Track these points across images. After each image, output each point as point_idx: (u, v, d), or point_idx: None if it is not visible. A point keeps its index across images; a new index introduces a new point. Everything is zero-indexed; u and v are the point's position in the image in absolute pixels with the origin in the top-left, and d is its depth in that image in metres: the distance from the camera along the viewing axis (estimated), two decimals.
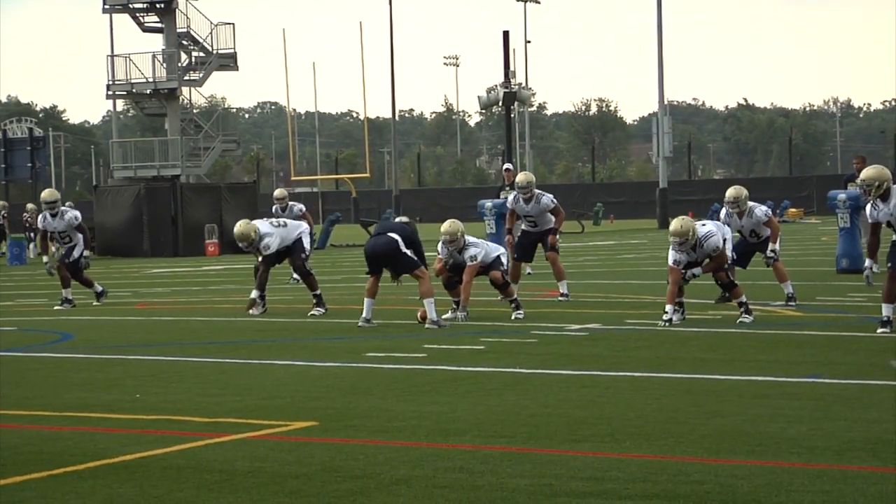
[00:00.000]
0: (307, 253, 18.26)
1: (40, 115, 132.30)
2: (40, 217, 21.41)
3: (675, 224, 15.14)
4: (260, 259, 18.11)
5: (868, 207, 13.85)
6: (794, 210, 62.99)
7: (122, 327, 17.12)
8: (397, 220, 16.80)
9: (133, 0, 48.48)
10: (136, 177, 48.16)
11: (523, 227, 19.40)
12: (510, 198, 19.37)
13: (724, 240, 15.29)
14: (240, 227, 17.97)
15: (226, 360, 12.98)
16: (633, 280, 23.12)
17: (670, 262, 15.10)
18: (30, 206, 47.00)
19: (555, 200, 19.04)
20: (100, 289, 21.14)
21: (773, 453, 7.61)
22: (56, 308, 20.41)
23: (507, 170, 28.74)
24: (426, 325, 15.35)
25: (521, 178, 19.11)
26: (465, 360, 12.40)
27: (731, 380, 10.64)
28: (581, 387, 10.47)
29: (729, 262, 15.28)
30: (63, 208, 21.19)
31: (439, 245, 16.59)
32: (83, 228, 21.17)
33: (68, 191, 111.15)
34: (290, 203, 21.99)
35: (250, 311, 17.69)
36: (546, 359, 12.25)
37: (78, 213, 21.34)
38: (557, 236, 19.03)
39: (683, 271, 15.06)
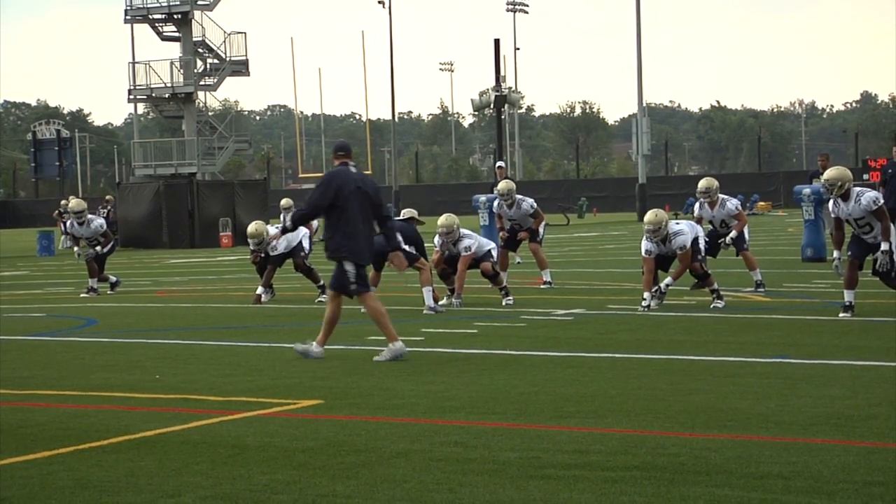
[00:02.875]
0: (306, 252, 18.32)
1: (67, 118, 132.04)
2: (69, 223, 21.48)
3: (649, 215, 15.17)
4: (252, 257, 18.23)
5: (830, 204, 13.85)
6: (762, 203, 63.07)
7: (142, 313, 17.10)
8: (402, 214, 16.66)
9: (152, 11, 48.40)
10: (156, 174, 48.13)
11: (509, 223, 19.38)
12: (496, 203, 19.40)
13: (697, 238, 15.28)
14: (254, 225, 18.15)
15: (238, 343, 12.97)
16: (614, 268, 23.11)
17: (643, 251, 15.13)
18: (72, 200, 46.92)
19: (535, 205, 18.99)
20: (113, 279, 21.15)
21: (743, 428, 7.61)
22: (82, 296, 20.40)
23: (499, 167, 28.73)
24: (424, 311, 15.34)
25: (502, 186, 19.07)
26: (460, 343, 12.39)
27: (704, 360, 10.64)
28: (567, 367, 10.47)
29: (700, 256, 15.27)
30: (90, 216, 21.19)
31: (436, 238, 16.59)
32: (108, 234, 21.17)
33: (93, 188, 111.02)
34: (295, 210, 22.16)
35: (262, 300, 17.70)
36: (534, 341, 12.24)
37: (102, 222, 21.39)
38: (540, 234, 18.98)
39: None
